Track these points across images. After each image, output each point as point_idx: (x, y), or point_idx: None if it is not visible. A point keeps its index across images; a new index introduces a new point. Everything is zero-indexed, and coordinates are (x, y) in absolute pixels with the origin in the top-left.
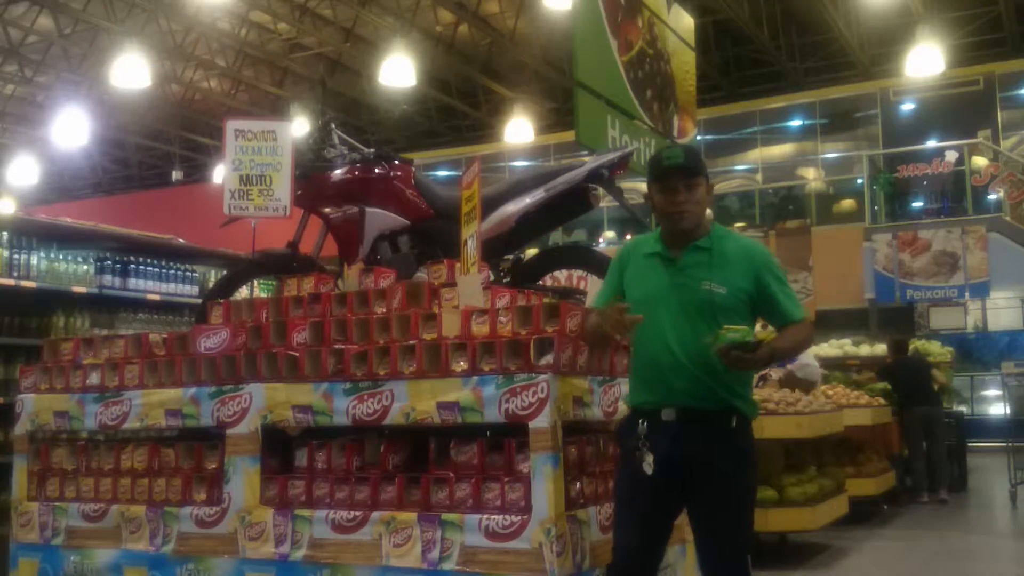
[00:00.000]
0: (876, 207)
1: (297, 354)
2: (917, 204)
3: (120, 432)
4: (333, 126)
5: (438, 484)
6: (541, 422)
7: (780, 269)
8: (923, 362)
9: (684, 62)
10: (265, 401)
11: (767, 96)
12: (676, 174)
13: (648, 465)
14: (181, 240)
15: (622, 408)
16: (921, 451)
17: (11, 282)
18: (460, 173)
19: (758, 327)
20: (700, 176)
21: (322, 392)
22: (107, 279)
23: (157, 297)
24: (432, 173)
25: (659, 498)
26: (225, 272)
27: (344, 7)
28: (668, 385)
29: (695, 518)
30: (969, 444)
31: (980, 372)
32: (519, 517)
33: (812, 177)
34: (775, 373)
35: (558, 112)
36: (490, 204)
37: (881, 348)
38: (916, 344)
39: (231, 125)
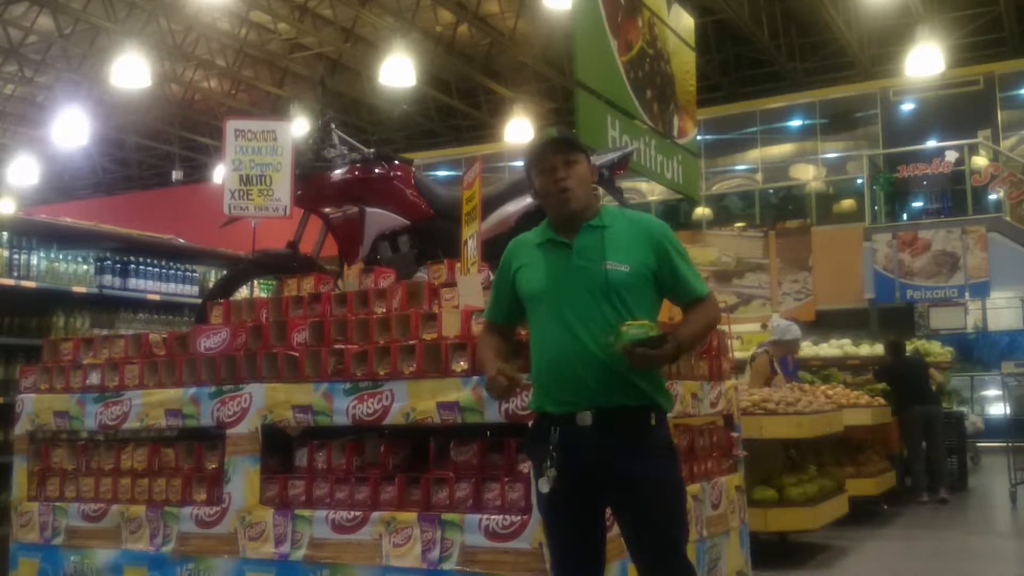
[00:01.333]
0: (876, 207)
1: (297, 354)
2: (917, 204)
3: (120, 432)
4: (333, 126)
5: (438, 484)
6: None
7: (680, 243)
8: (921, 362)
9: (684, 62)
10: (265, 401)
11: (767, 96)
12: (552, 150)
13: (545, 481)
14: (181, 240)
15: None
16: (921, 451)
17: (11, 282)
18: (460, 173)
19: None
20: (579, 152)
21: (322, 392)
22: (107, 279)
23: (157, 297)
24: (432, 173)
25: (584, 511)
26: (225, 272)
27: (344, 7)
28: (582, 382)
29: (625, 523)
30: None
31: (980, 372)
32: (519, 517)
33: (812, 177)
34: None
35: (558, 112)
36: (490, 204)
37: (881, 348)
38: (916, 344)
39: (231, 125)
